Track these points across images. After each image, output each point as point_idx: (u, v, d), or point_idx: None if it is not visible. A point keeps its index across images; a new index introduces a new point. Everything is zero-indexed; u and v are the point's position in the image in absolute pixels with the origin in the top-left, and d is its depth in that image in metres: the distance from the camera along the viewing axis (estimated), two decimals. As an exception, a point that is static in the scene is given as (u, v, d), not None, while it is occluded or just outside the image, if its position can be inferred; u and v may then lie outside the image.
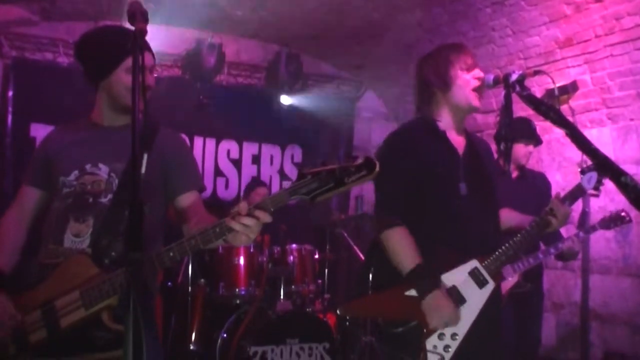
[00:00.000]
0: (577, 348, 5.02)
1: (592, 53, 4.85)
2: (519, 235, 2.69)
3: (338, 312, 3.28)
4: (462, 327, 2.52)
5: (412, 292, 2.53)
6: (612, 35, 4.64)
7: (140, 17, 1.77)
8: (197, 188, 2.40)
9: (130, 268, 1.60)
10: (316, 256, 5.26)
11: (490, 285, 2.58)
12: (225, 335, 4.66)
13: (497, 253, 2.61)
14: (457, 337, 2.51)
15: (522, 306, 4.04)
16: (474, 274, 2.58)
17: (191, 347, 4.76)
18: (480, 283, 2.57)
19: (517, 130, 3.89)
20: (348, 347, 5.10)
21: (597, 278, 5.03)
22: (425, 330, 2.50)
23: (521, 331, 4.10)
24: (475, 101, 2.67)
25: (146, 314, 2.24)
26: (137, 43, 1.72)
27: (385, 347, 2.66)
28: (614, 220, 3.93)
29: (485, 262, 2.59)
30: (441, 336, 2.51)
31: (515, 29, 5.24)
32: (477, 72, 2.66)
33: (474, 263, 2.59)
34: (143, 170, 2.00)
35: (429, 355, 2.49)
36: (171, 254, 1.95)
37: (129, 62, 2.17)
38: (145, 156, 2.01)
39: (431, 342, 2.51)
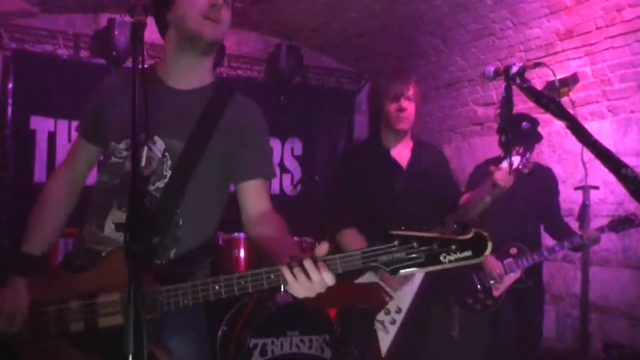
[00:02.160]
0: (576, 340, 5.04)
1: (592, 45, 4.84)
2: (455, 216, 3.15)
3: (302, 306, 3.78)
4: (405, 302, 2.98)
5: (361, 280, 3.00)
6: (613, 27, 4.63)
7: (140, 9, 1.76)
8: (264, 175, 2.12)
9: (130, 261, 1.51)
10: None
11: None
12: (225, 327, 4.67)
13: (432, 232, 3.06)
14: (401, 311, 2.97)
15: (523, 300, 4.06)
16: None
17: (192, 339, 4.77)
18: None
19: (517, 138, 3.93)
20: (348, 339, 5.10)
21: (597, 270, 5.03)
22: (374, 309, 2.98)
23: (523, 325, 4.12)
24: (397, 125, 3.23)
25: (194, 319, 2.14)
26: (137, 35, 1.71)
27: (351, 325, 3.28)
28: (623, 223, 3.94)
29: None
30: (386, 311, 2.98)
31: (516, 20, 5.23)
32: (402, 103, 3.20)
33: None
34: (143, 163, 1.88)
35: (377, 324, 2.96)
36: (217, 287, 1.71)
37: None
38: (145, 149, 1.88)
39: (378, 318, 2.97)
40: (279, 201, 7.04)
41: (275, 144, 7.07)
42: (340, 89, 7.43)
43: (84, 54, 6.25)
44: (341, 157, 3.42)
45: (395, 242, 1.52)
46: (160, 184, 1.93)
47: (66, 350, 1.87)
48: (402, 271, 1.52)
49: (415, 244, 1.51)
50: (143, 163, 1.87)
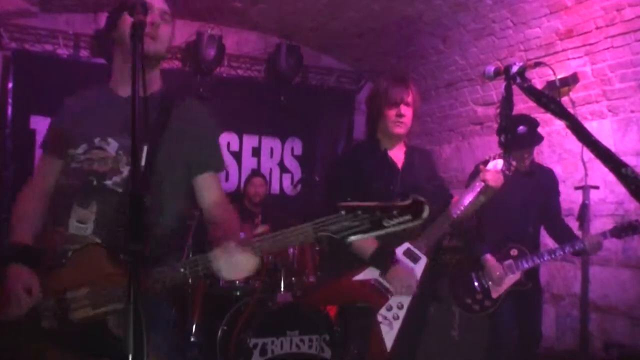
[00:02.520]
0: (576, 339, 5.04)
1: (592, 44, 4.84)
2: (445, 216, 3.13)
3: (302, 306, 3.77)
4: (406, 297, 3.03)
5: (360, 277, 3.04)
6: (613, 26, 4.63)
7: (140, 8, 1.77)
8: (215, 169, 2.29)
9: (130, 259, 1.55)
10: (317, 248, 5.26)
11: (423, 259, 3.09)
12: (225, 327, 4.67)
13: (426, 235, 3.12)
14: (403, 307, 3.01)
15: (522, 302, 4.05)
16: (408, 253, 3.09)
17: (191, 339, 4.77)
18: (414, 259, 3.09)
19: (514, 142, 3.94)
20: (348, 339, 5.10)
21: (597, 269, 5.03)
22: (375, 305, 3.00)
23: (523, 326, 4.12)
24: (396, 130, 3.25)
25: (160, 313, 2.21)
26: (136, 35, 1.72)
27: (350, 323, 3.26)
28: (626, 230, 3.92)
29: (417, 243, 3.11)
30: (389, 307, 3.02)
31: (516, 20, 5.23)
32: (402, 109, 3.22)
33: (406, 245, 3.10)
34: (142, 162, 1.97)
35: (381, 319, 2.98)
36: (182, 269, 1.86)
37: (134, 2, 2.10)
38: (145, 148, 1.97)
39: (382, 314, 3.00)
40: (279, 201, 7.09)
41: (275, 143, 7.08)
42: (340, 89, 7.44)
43: (84, 53, 6.25)
44: (339, 158, 3.48)
45: (343, 212, 1.66)
46: (117, 179, 2.09)
47: (42, 347, 1.94)
48: (351, 237, 1.66)
49: (360, 212, 1.65)
50: (98, 164, 2.10)
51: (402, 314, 3.00)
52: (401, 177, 3.26)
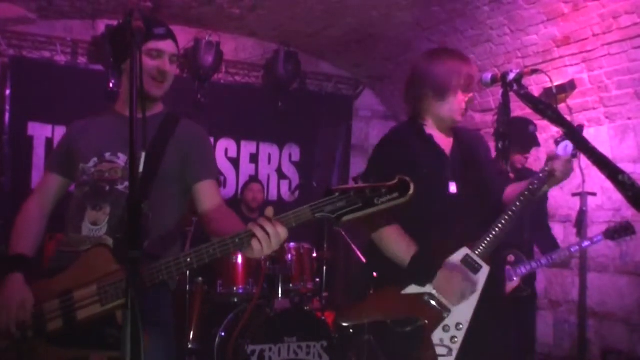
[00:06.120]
0: (574, 346, 5.03)
1: (589, 52, 4.86)
2: (508, 212, 2.60)
3: (341, 322, 3.25)
4: (465, 316, 2.50)
5: (409, 290, 2.53)
6: (610, 33, 4.64)
7: (137, 15, 1.78)
8: (213, 177, 2.41)
9: (129, 266, 1.59)
10: (314, 254, 5.26)
11: (485, 269, 2.56)
12: (223, 333, 4.66)
13: (487, 238, 2.58)
14: (461, 327, 2.49)
15: (520, 307, 4.04)
16: (467, 262, 2.56)
17: (189, 346, 4.76)
18: (474, 269, 2.55)
19: (513, 144, 3.89)
20: (346, 346, 5.10)
21: (595, 276, 5.04)
22: (428, 325, 2.48)
23: (520, 334, 4.11)
24: (459, 117, 2.76)
25: (162, 315, 2.31)
26: (135, 41, 1.73)
27: (391, 347, 2.61)
28: (619, 232, 3.90)
29: (477, 249, 2.57)
30: (446, 328, 2.49)
31: (513, 27, 5.25)
32: (471, 96, 2.74)
33: (464, 251, 2.57)
34: (141, 169, 2.03)
35: (437, 349, 2.47)
36: (188, 259, 1.92)
37: (149, 45, 2.24)
38: (144, 155, 2.02)
39: (437, 335, 2.48)
40: (277, 207, 7.08)
41: (273, 150, 7.07)
42: (338, 95, 7.44)
43: (81, 60, 6.25)
44: (381, 144, 2.85)
45: (337, 194, 1.79)
46: (128, 183, 2.17)
47: (43, 348, 1.98)
48: (345, 217, 1.78)
49: (352, 193, 1.78)
50: (109, 173, 2.24)
51: (461, 335, 2.48)
52: (451, 164, 2.77)
